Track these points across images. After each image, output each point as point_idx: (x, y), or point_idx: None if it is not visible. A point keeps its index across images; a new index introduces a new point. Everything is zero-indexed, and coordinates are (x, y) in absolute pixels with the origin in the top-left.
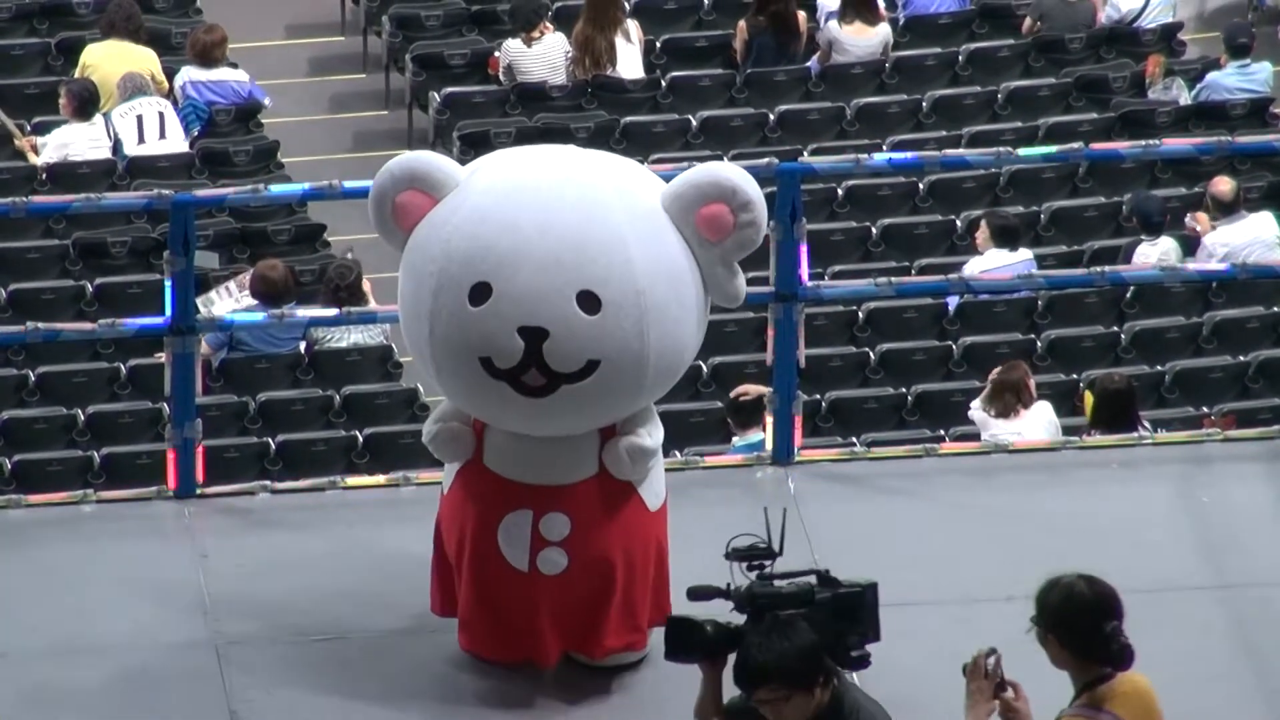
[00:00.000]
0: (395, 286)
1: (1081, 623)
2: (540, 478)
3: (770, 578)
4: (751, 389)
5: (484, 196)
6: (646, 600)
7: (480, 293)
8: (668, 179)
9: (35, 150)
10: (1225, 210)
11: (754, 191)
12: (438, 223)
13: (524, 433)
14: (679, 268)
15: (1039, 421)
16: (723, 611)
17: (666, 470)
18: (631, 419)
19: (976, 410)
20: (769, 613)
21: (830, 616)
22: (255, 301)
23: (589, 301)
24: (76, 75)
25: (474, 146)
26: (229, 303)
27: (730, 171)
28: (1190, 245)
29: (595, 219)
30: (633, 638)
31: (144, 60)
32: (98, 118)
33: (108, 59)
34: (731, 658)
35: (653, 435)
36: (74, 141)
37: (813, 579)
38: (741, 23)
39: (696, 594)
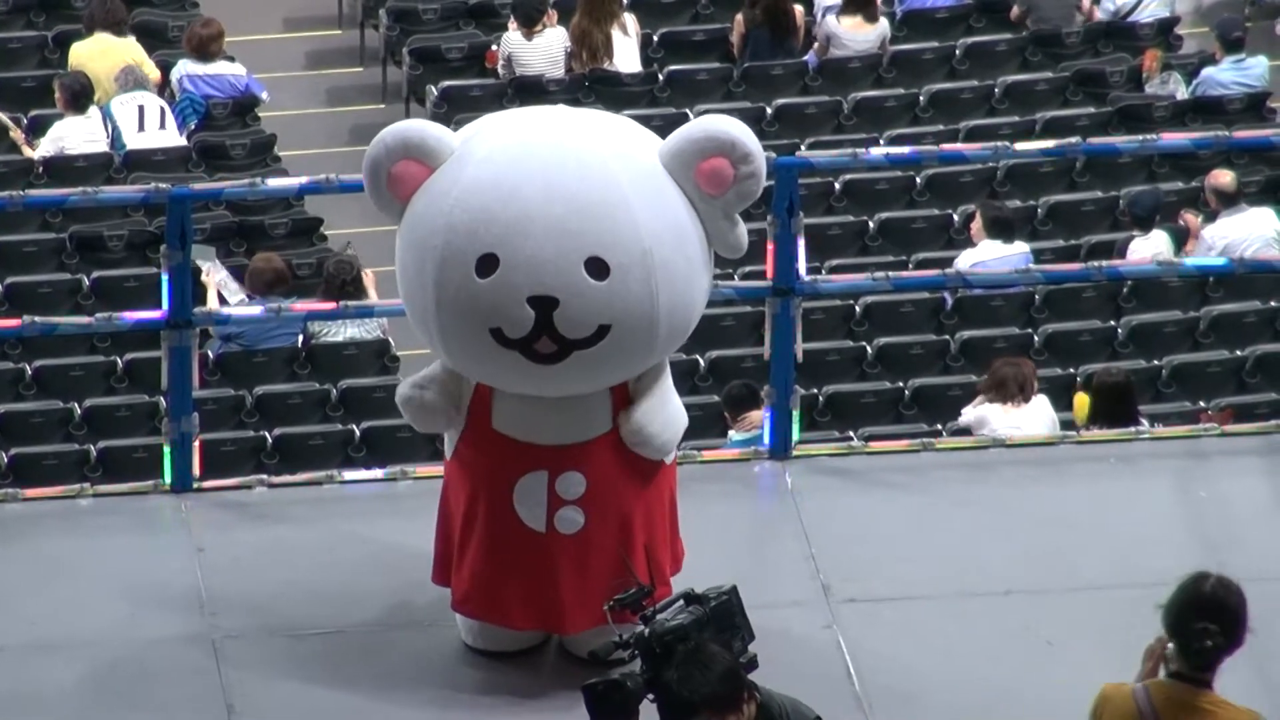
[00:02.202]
0: (395, 279)
1: (1179, 610)
2: (553, 438)
3: (652, 616)
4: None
5: (483, 166)
6: (667, 552)
7: (487, 264)
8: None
9: (30, 145)
10: (1227, 202)
11: (753, 143)
12: (437, 194)
13: (535, 395)
14: (683, 224)
15: (1039, 416)
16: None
17: None
18: (641, 386)
19: (973, 410)
20: (678, 647)
21: (715, 631)
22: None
23: (597, 267)
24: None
25: None
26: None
27: (728, 125)
28: (1181, 237)
29: (597, 181)
30: (659, 590)
31: (129, 52)
32: (93, 111)
33: (93, 56)
34: (645, 704)
35: (658, 417)
36: (69, 135)
37: (681, 601)
38: (738, 16)
39: (598, 655)
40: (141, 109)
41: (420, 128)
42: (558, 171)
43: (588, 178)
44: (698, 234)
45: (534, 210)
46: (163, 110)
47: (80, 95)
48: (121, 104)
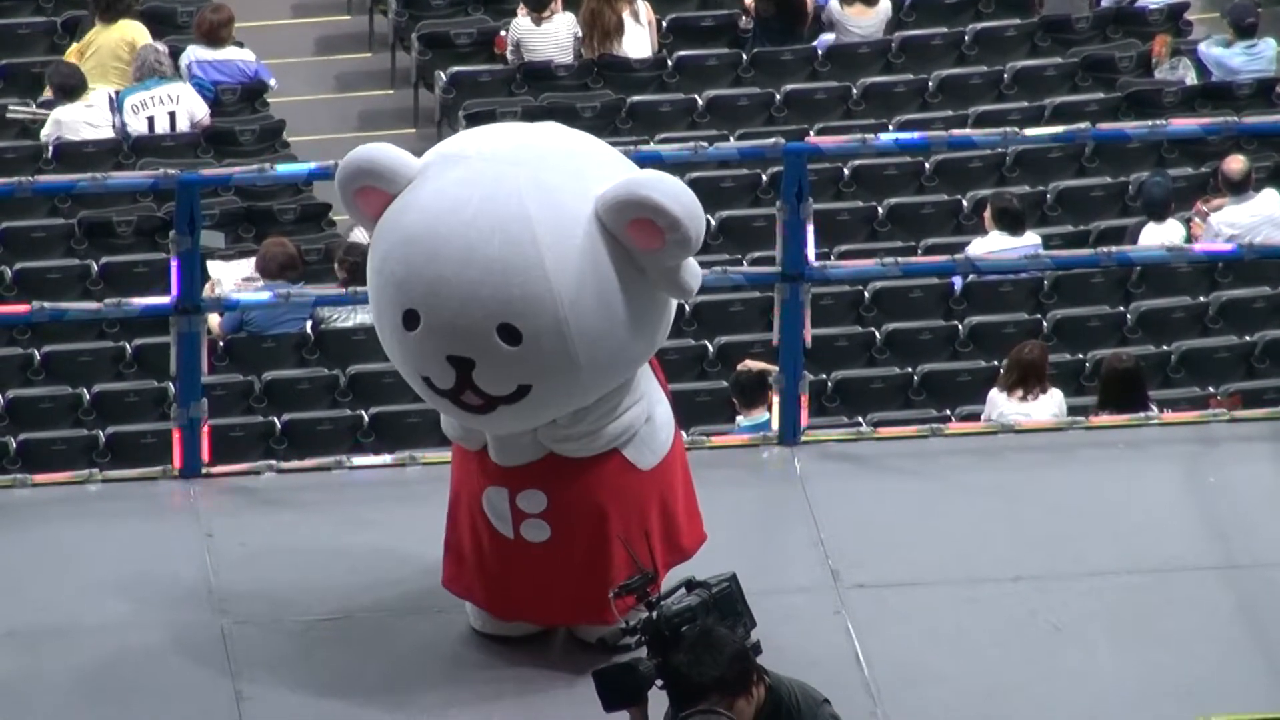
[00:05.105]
0: None
1: None
2: (509, 460)
3: (658, 603)
4: (754, 364)
5: (416, 216)
6: (656, 555)
7: (411, 319)
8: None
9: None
10: (1235, 189)
11: (679, 208)
12: (382, 233)
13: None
14: (605, 276)
15: (1047, 402)
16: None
17: None
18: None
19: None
20: (686, 630)
21: (718, 617)
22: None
23: (509, 333)
24: (77, 57)
25: (480, 125)
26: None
27: (655, 191)
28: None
29: (515, 244)
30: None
31: (135, 35)
32: (94, 98)
33: (106, 40)
34: (654, 690)
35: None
36: (68, 121)
37: (683, 589)
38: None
39: (606, 641)
40: (151, 120)
41: (373, 156)
42: (477, 233)
43: (506, 239)
44: (626, 278)
45: (450, 274)
46: (173, 116)
47: (59, 88)
48: (134, 110)
